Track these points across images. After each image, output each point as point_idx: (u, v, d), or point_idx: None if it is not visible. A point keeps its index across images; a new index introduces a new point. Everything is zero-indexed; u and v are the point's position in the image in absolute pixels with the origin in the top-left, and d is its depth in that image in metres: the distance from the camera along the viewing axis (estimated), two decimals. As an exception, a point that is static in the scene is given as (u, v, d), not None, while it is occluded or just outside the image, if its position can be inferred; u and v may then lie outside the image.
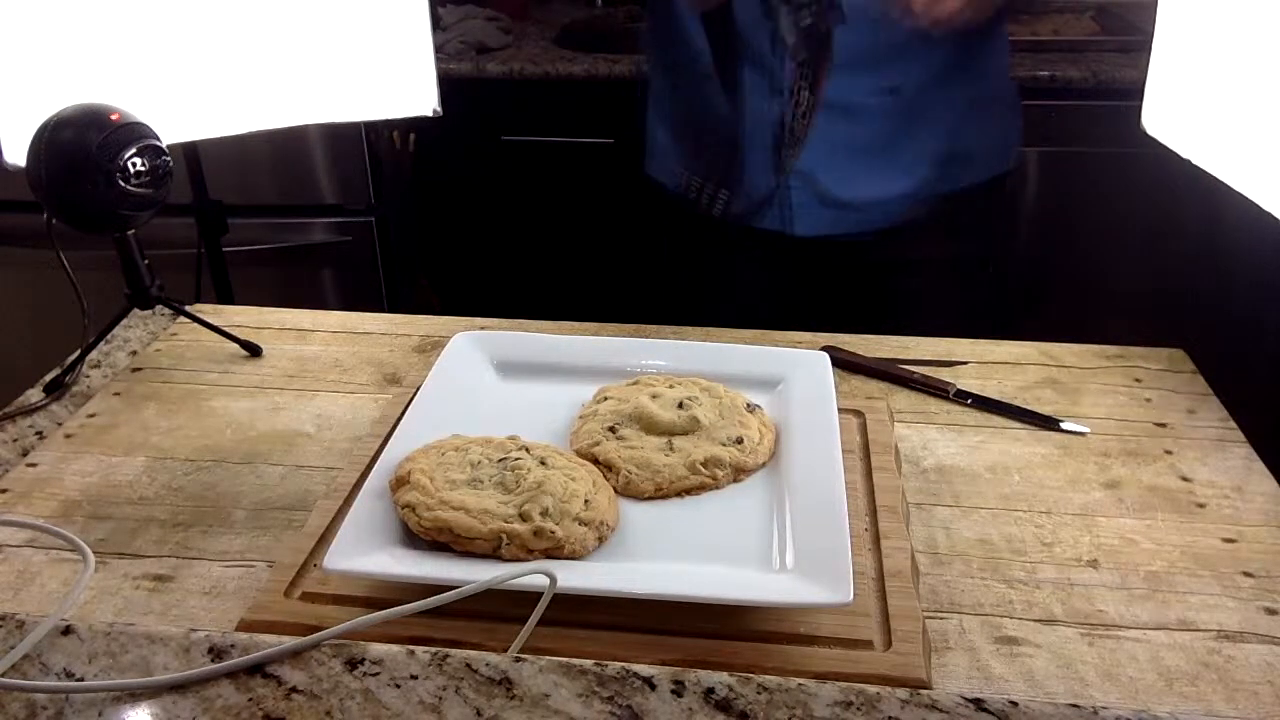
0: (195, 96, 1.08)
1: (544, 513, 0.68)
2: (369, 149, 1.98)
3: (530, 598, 0.61)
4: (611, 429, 0.80)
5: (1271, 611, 0.68)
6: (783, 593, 0.64)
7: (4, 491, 0.81)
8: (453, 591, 0.61)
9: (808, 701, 0.54)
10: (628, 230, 2.17)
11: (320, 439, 0.88)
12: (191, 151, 1.36)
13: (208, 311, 1.08)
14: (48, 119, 0.86)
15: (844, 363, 0.97)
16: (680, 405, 0.81)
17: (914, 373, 0.95)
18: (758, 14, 1.09)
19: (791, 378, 0.87)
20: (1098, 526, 0.76)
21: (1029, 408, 0.91)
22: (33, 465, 0.84)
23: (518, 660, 0.57)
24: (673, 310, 1.15)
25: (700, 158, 1.24)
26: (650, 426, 0.80)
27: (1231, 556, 0.73)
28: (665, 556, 0.69)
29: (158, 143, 0.89)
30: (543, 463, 0.73)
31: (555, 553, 0.67)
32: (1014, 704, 0.54)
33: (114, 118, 0.87)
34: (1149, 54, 0.93)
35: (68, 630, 0.59)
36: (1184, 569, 0.72)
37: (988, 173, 1.22)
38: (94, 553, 0.73)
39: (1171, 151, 0.88)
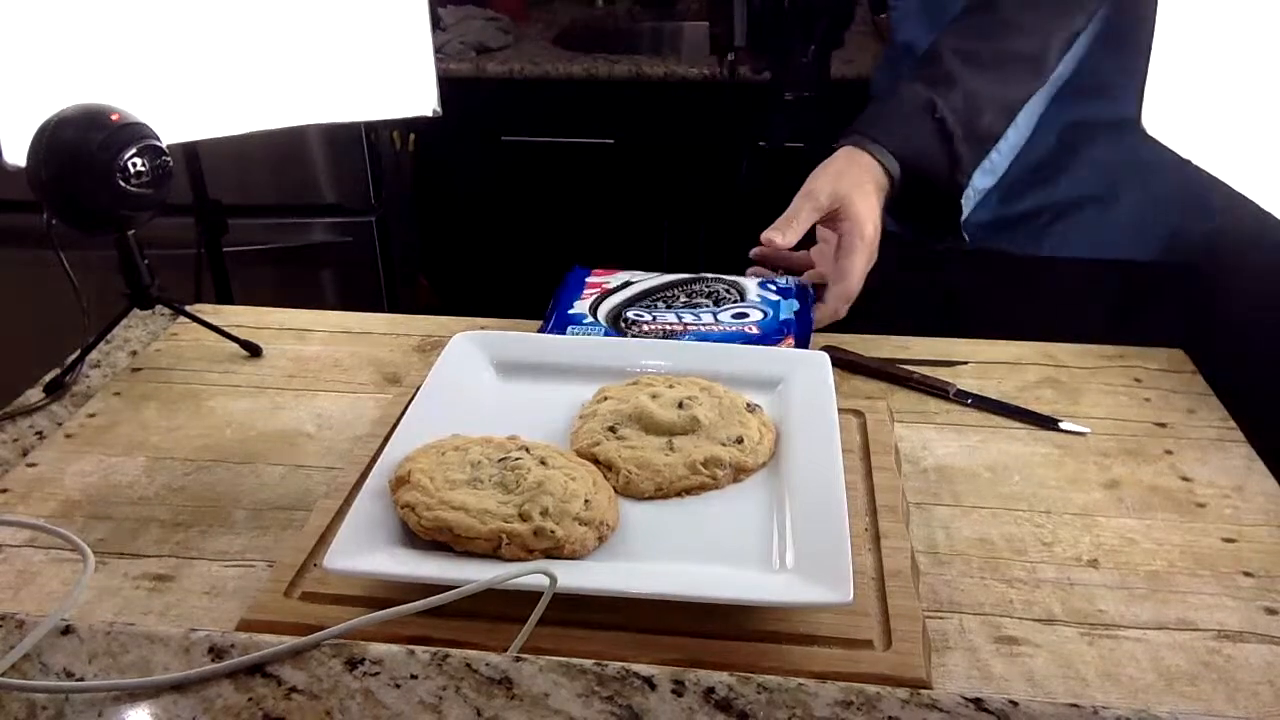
0: (195, 96, 1.08)
1: (544, 512, 0.68)
2: (369, 149, 1.98)
3: (530, 598, 0.61)
4: (611, 429, 0.80)
5: (1271, 611, 0.68)
6: (783, 592, 0.64)
7: (4, 491, 0.81)
8: (453, 591, 0.61)
9: (808, 701, 0.54)
10: (628, 230, 2.17)
11: (320, 439, 0.88)
12: (191, 151, 1.36)
13: (208, 311, 1.08)
14: (48, 119, 0.86)
15: (844, 363, 0.97)
16: (680, 405, 0.81)
17: (914, 373, 0.95)
18: None
19: (791, 378, 0.87)
20: (1098, 526, 0.76)
21: (1029, 408, 0.91)
22: (33, 465, 0.84)
23: (518, 660, 0.57)
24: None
25: None
26: (650, 426, 0.80)
27: (1231, 556, 0.73)
28: (665, 556, 0.69)
29: (158, 143, 0.89)
30: (543, 463, 0.73)
31: (555, 553, 0.67)
32: (1014, 704, 0.54)
33: (114, 118, 0.86)
34: (1149, 54, 0.93)
35: (68, 630, 0.59)
36: (1184, 569, 0.72)
37: None
38: (94, 553, 0.73)
39: (1172, 151, 0.88)
